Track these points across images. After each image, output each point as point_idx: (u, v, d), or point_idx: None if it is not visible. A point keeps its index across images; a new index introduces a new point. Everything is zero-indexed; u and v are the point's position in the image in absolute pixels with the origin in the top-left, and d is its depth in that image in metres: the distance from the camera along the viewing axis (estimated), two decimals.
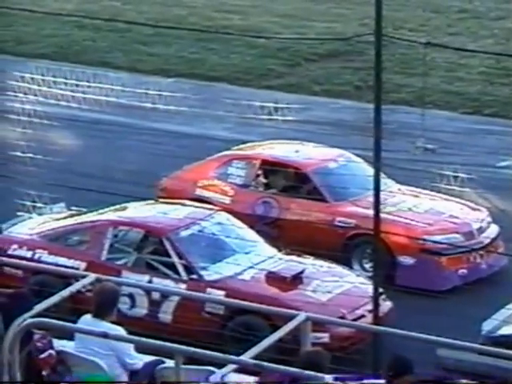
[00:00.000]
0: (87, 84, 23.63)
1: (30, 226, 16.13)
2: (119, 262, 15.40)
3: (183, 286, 14.67)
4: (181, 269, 15.13)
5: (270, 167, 17.63)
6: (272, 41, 26.75)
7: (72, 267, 14.63)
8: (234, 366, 9.54)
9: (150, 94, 23.27)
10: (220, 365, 9.61)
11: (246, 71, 25.41)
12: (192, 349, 9.74)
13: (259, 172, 17.70)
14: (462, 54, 24.82)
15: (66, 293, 10.87)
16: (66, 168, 18.83)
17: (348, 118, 21.91)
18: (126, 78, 24.74)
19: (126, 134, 21.51)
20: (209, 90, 24.63)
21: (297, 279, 15.18)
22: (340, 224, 16.90)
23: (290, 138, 19.82)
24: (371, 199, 14.58)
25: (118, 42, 27.60)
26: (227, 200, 17.34)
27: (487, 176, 19.39)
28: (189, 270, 15.18)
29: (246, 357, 9.51)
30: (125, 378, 10.51)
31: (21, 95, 22.78)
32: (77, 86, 23.75)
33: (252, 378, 10.56)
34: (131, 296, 14.48)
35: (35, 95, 22.93)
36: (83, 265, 15.04)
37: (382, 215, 15.14)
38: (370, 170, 16.16)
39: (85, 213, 16.80)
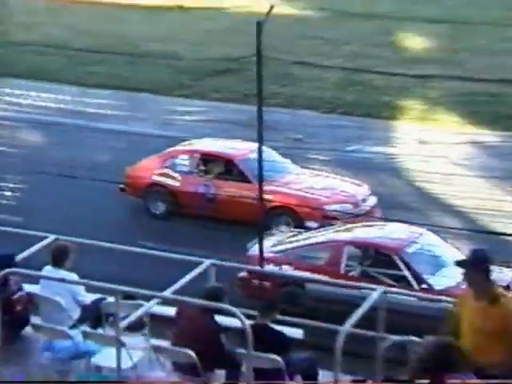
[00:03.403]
0: (44, 95, 23.71)
1: (269, 244, 14.46)
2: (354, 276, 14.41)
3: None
4: (412, 280, 13.71)
5: (208, 158, 17.48)
6: (183, 61, 26.73)
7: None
8: (157, 300, 9.62)
9: (93, 103, 23.31)
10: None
11: (164, 84, 25.29)
12: (127, 288, 9.57)
13: (199, 162, 17.46)
14: (320, 69, 24.99)
15: (33, 249, 10.73)
16: (33, 159, 18.43)
17: (239, 117, 21.70)
18: (75, 90, 24.64)
19: (78, 131, 21.11)
20: (137, 99, 24.54)
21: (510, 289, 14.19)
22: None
23: (199, 133, 19.60)
24: (283, 180, 15.51)
25: (68, 64, 27.15)
26: (177, 184, 17.04)
27: (340, 158, 19.57)
28: (419, 280, 13.79)
29: (168, 293, 9.40)
30: (78, 311, 10.29)
31: None
32: (37, 97, 23.98)
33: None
34: None
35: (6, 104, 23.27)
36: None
37: (293, 191, 15.84)
38: (280, 158, 16.82)
39: (309, 231, 15.63)
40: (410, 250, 14.34)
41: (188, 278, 9.82)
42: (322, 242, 14.77)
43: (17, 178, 17.91)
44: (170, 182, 17.21)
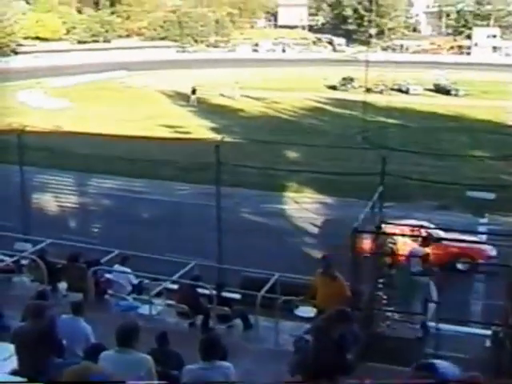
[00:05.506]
0: None
1: None
2: None
3: None
4: None
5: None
6: None
7: None
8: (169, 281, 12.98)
9: None
10: None
11: None
12: (153, 275, 13.51)
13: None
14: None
15: (107, 257, 14.25)
16: None
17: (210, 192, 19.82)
18: None
19: None
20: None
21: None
22: None
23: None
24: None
25: None
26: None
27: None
28: None
29: (174, 277, 13.00)
30: (130, 287, 13.76)
31: None
32: None
33: None
34: None
35: None
36: None
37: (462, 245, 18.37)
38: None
39: None
40: None
41: (185, 269, 13.69)
42: None
43: None
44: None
